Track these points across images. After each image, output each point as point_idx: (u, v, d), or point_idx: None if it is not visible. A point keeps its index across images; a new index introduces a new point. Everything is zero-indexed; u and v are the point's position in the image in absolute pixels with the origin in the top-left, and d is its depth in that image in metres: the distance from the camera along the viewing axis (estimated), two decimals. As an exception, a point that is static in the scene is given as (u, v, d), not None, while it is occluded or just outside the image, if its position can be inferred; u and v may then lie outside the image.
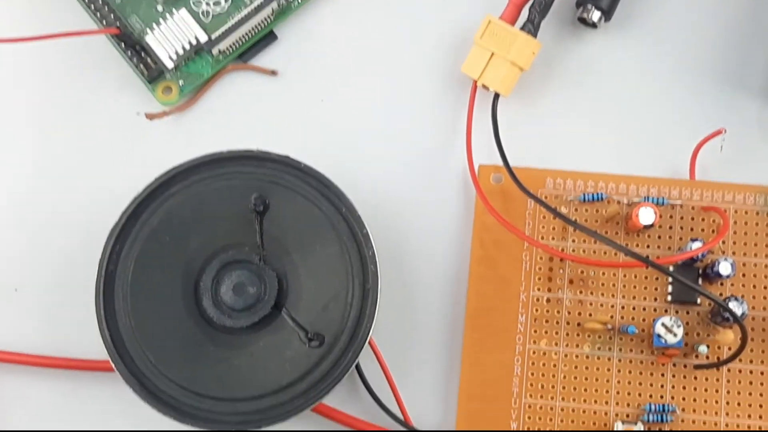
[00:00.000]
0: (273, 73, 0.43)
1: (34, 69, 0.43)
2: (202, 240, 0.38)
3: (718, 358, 0.38)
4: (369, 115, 0.42)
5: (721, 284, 0.39)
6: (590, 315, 0.39)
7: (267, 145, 0.38)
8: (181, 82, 0.42)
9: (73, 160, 0.42)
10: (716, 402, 0.38)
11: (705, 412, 0.38)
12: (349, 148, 0.42)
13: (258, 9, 0.41)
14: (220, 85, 0.42)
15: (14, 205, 0.42)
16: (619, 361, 0.38)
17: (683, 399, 0.38)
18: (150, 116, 0.42)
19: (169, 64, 0.41)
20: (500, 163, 0.39)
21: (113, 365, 0.37)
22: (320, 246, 0.37)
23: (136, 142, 0.42)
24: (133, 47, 0.42)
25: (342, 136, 0.42)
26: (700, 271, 0.39)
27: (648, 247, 0.39)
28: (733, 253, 0.39)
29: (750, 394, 0.38)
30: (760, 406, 0.38)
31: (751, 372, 0.38)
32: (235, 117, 0.42)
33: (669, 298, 0.39)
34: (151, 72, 0.42)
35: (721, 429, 0.38)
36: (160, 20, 0.41)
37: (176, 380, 0.36)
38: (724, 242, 0.39)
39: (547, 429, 0.38)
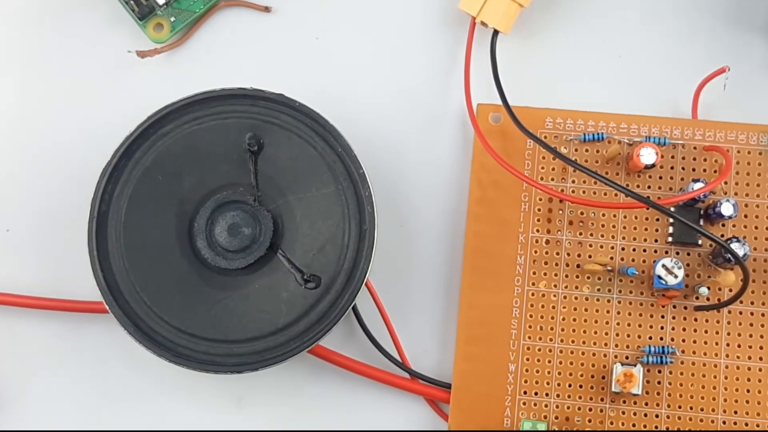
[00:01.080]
0: (266, 9, 0.42)
1: (24, 7, 0.42)
2: (196, 180, 0.37)
3: (719, 300, 0.38)
4: (365, 53, 0.42)
5: (723, 225, 0.39)
6: (590, 256, 0.39)
7: (261, 84, 0.38)
8: (172, 18, 0.41)
9: (63, 99, 0.41)
10: (716, 344, 0.38)
11: (705, 354, 0.38)
12: (345, 87, 0.41)
13: (251, -57, 0.41)
14: (213, 22, 0.42)
15: (4, 144, 0.41)
16: (619, 302, 0.38)
17: (683, 341, 0.38)
18: (141, 54, 0.41)
19: (160, 0, 0.41)
20: (499, 102, 0.39)
21: (107, 306, 0.36)
22: (316, 186, 0.37)
23: (127, 81, 0.42)
24: (124, -17, 0.41)
25: (338, 75, 0.42)
26: (702, 212, 0.38)
27: (649, 187, 0.39)
28: (736, 194, 0.39)
29: (750, 335, 0.38)
30: (761, 347, 0.38)
31: (751, 314, 0.38)
32: (228, 55, 0.42)
33: (670, 239, 0.39)
34: (142, 8, 0.41)
35: (721, 370, 0.38)
36: (151, -45, 0.41)
37: (171, 322, 0.36)
38: (726, 182, 0.39)
39: (546, 370, 0.38)
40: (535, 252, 0.39)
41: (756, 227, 0.38)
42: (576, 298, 0.38)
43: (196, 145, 0.37)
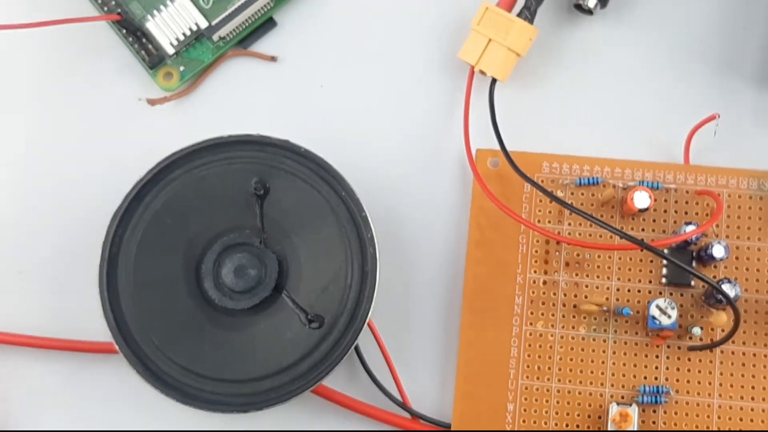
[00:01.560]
0: (273, 58, 0.43)
1: (37, 55, 0.43)
2: (204, 223, 0.38)
3: (712, 340, 0.39)
4: (368, 100, 0.42)
5: (715, 267, 0.39)
6: (586, 297, 0.39)
7: (267, 130, 0.39)
8: (181, 67, 0.42)
9: (76, 145, 0.42)
10: (710, 383, 0.38)
11: (698, 394, 0.38)
12: (348, 133, 0.42)
13: (258, -5, 0.42)
14: (221, 71, 0.43)
15: (18, 188, 0.42)
16: (615, 342, 0.39)
17: (677, 380, 0.38)
18: (152, 102, 0.42)
19: (170, 50, 0.42)
20: (497, 147, 0.40)
21: (117, 347, 0.37)
22: (320, 229, 0.38)
23: (138, 127, 0.42)
24: (134, 33, 0.42)
25: (341, 121, 0.42)
26: (694, 254, 0.39)
27: (643, 230, 0.40)
28: (727, 236, 0.39)
29: (743, 375, 0.38)
30: (753, 387, 0.38)
31: (743, 353, 0.39)
32: (235, 102, 0.43)
33: (663, 280, 0.39)
34: (152, 58, 0.42)
35: (714, 410, 0.38)
36: (161, 6, 0.42)
37: (179, 362, 0.37)
38: (717, 225, 0.40)
39: (544, 410, 0.38)
40: (533, 292, 0.39)
41: (747, 269, 0.39)
42: (573, 338, 0.39)
43: (204, 190, 0.38)
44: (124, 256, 0.38)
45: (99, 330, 0.37)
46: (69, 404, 0.40)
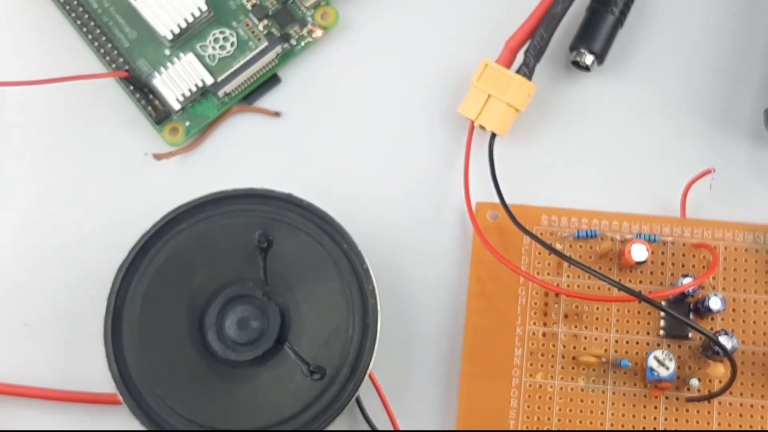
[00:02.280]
0: (276, 114, 0.43)
1: (44, 110, 0.44)
2: (208, 275, 0.38)
3: (710, 391, 0.39)
4: (370, 154, 0.43)
5: (712, 319, 0.39)
6: (585, 349, 0.40)
7: (270, 184, 0.39)
8: (187, 123, 0.43)
9: (81, 199, 0.43)
10: (708, 434, 0.38)
11: (697, 444, 0.38)
12: (350, 186, 0.42)
13: (263, 53, 0.42)
14: (226, 126, 0.43)
15: (24, 241, 0.42)
16: (613, 393, 0.39)
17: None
18: (157, 156, 0.42)
19: (176, 106, 0.42)
20: (497, 200, 0.40)
21: (121, 399, 0.37)
22: (322, 281, 0.38)
23: (143, 181, 0.43)
24: (141, 89, 0.43)
25: (343, 175, 0.43)
26: (692, 306, 0.39)
27: (641, 282, 0.40)
28: (723, 289, 0.40)
29: (740, 426, 0.38)
30: (751, 437, 0.38)
31: (741, 404, 0.39)
32: (239, 157, 0.43)
33: (661, 332, 0.39)
34: (159, 113, 0.43)
35: (713, 460, 0.38)
36: (168, 63, 0.42)
37: (182, 413, 0.37)
38: (714, 278, 0.40)
39: (543, 460, 0.39)
40: (532, 344, 0.40)
41: (743, 321, 0.39)
42: (572, 389, 0.39)
43: (208, 242, 0.38)
44: (129, 308, 0.38)
45: (104, 381, 0.37)
46: (73, 455, 0.40)
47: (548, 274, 0.40)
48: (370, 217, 0.42)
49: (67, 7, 0.44)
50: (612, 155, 0.43)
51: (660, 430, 0.39)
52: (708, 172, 0.41)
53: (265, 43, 0.43)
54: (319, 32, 0.44)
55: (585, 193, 0.42)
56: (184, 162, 0.43)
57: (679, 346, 0.39)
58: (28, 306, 0.42)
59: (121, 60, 0.43)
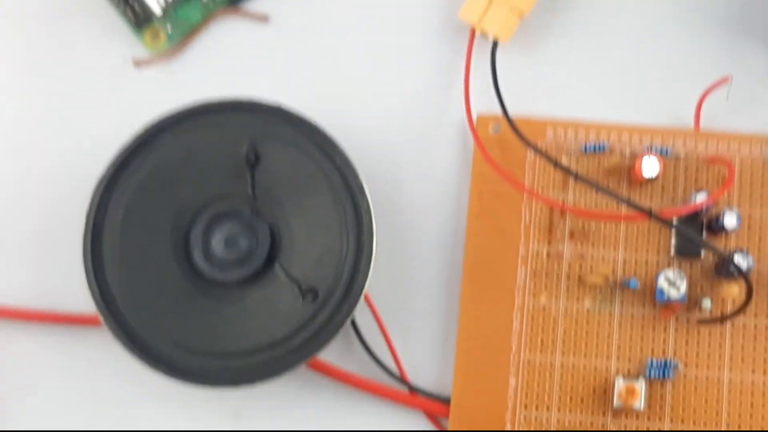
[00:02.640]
0: (264, 18, 0.42)
1: (18, 15, 0.42)
2: (193, 191, 0.37)
3: (722, 313, 0.38)
4: (364, 63, 0.42)
5: (726, 237, 0.38)
6: (591, 269, 0.39)
7: (258, 94, 0.38)
8: (169, 27, 0.41)
9: (58, 109, 0.42)
10: (719, 357, 0.38)
11: (708, 368, 0.38)
12: (343, 98, 0.41)
13: (249, -48, 0.41)
14: (210, 32, 0.42)
15: (-2, 155, 0.41)
16: (621, 315, 0.38)
17: (686, 354, 0.38)
18: (137, 63, 0.41)
19: (157, 10, 0.41)
20: (499, 112, 0.39)
21: (102, 319, 0.36)
22: (314, 198, 0.37)
23: (122, 91, 0.42)
24: (120, -8, 0.41)
25: (336, 86, 0.42)
26: (705, 224, 0.38)
27: (651, 199, 0.39)
28: (739, 205, 0.39)
29: (754, 349, 0.38)
30: (765, 360, 0.37)
31: (755, 327, 0.38)
32: (225, 64, 0.42)
33: (672, 251, 0.38)
34: (138, 17, 0.41)
35: (725, 384, 0.37)
36: (148, -37, 0.41)
37: (167, 335, 0.36)
38: (729, 194, 0.39)
39: (547, 385, 0.38)
40: (536, 264, 0.39)
41: (760, 239, 0.38)
42: (577, 311, 0.38)
43: (193, 156, 0.37)
44: (110, 225, 0.37)
45: (84, 302, 0.37)
46: (53, 378, 0.40)
47: (553, 190, 0.39)
48: (365, 130, 0.41)
49: None
50: (622, 63, 0.41)
51: (670, 353, 0.38)
52: (724, 80, 0.39)
53: (252, -58, 0.41)
54: (309, -70, 0.42)
55: (593, 105, 0.41)
56: (167, 70, 0.42)
57: (691, 266, 0.38)
58: (4, 223, 0.41)
59: (97, -40, 0.41)
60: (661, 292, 0.37)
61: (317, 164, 0.37)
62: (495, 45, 0.40)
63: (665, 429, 0.37)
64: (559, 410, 0.38)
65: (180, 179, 0.37)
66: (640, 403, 0.37)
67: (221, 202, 0.37)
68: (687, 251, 0.38)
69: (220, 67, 0.42)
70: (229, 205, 0.37)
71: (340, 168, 0.37)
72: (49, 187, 0.41)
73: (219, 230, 0.37)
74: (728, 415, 0.37)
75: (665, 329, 0.38)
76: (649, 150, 0.39)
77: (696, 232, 0.38)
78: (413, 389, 0.39)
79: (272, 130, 0.37)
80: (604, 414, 0.37)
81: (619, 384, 0.37)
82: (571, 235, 0.39)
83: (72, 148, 0.41)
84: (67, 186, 0.40)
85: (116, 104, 0.41)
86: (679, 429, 0.37)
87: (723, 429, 0.37)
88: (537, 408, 0.38)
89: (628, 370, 0.38)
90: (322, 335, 0.36)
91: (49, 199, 0.41)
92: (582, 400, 0.38)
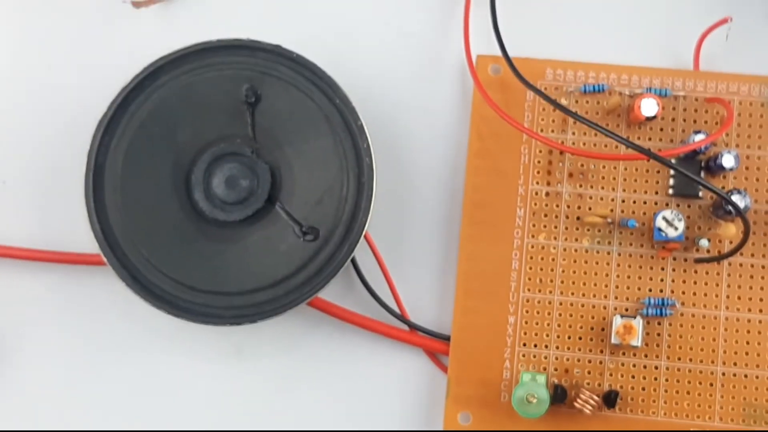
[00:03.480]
0: (264, -42, 0.41)
1: None
2: (193, 132, 0.37)
3: (719, 252, 0.38)
4: (363, 3, 0.41)
5: (724, 177, 0.38)
6: (590, 209, 0.38)
7: (258, 35, 0.38)
8: None
9: (57, 50, 0.41)
10: (716, 296, 0.38)
11: (705, 306, 0.38)
12: (342, 38, 0.41)
13: None
14: (210, -29, 0.41)
15: (-2, 97, 0.41)
16: (619, 255, 0.38)
17: (683, 293, 0.38)
18: (136, 4, 0.41)
19: (156, -51, 0.40)
20: (499, 53, 0.38)
21: (104, 258, 0.36)
22: (314, 138, 0.37)
23: (122, 31, 0.41)
24: (118, -69, 0.40)
25: (335, 26, 0.41)
26: (703, 164, 0.38)
27: (650, 139, 0.39)
28: (737, 146, 0.38)
29: (750, 287, 0.38)
30: (761, 299, 0.38)
31: (752, 266, 0.38)
32: (225, 4, 0.41)
33: (670, 191, 0.38)
34: (137, -43, 0.41)
35: (721, 322, 0.38)
36: None
37: (169, 274, 0.36)
38: (727, 134, 0.38)
39: (546, 323, 0.38)
40: (535, 204, 0.39)
41: (757, 179, 0.38)
42: (576, 251, 0.38)
43: (193, 97, 0.37)
44: (111, 165, 0.37)
45: (87, 241, 0.37)
46: (56, 317, 0.39)
47: (552, 131, 0.39)
48: (365, 71, 0.41)
49: None
50: (622, 3, 0.41)
51: (667, 292, 0.38)
52: (724, 21, 0.39)
53: None
54: None
55: (592, 45, 0.40)
56: (166, 10, 0.41)
57: (689, 206, 0.38)
58: (5, 163, 0.40)
59: None
60: (659, 231, 0.37)
61: (317, 105, 0.37)
62: (495, -16, 0.39)
63: (662, 365, 0.37)
64: (557, 348, 0.38)
65: (180, 120, 0.37)
66: (637, 340, 0.37)
67: (222, 143, 0.37)
68: (685, 191, 0.38)
69: (220, 8, 0.41)
70: (229, 146, 0.37)
71: (340, 108, 0.37)
72: (49, 128, 0.40)
73: (220, 171, 0.37)
74: (724, 352, 0.37)
75: (663, 268, 0.38)
76: (649, 90, 0.39)
77: (694, 172, 0.38)
78: (413, 327, 0.39)
79: (272, 70, 0.37)
80: (601, 351, 0.38)
81: (617, 322, 0.37)
82: (570, 175, 0.39)
83: (72, 88, 0.41)
84: (68, 127, 0.40)
85: (115, 45, 0.41)
86: (676, 365, 0.37)
87: (719, 365, 0.37)
88: (536, 346, 0.38)
89: (626, 309, 0.38)
90: (323, 274, 0.36)
91: (49, 140, 0.40)
92: (580, 338, 0.38)
